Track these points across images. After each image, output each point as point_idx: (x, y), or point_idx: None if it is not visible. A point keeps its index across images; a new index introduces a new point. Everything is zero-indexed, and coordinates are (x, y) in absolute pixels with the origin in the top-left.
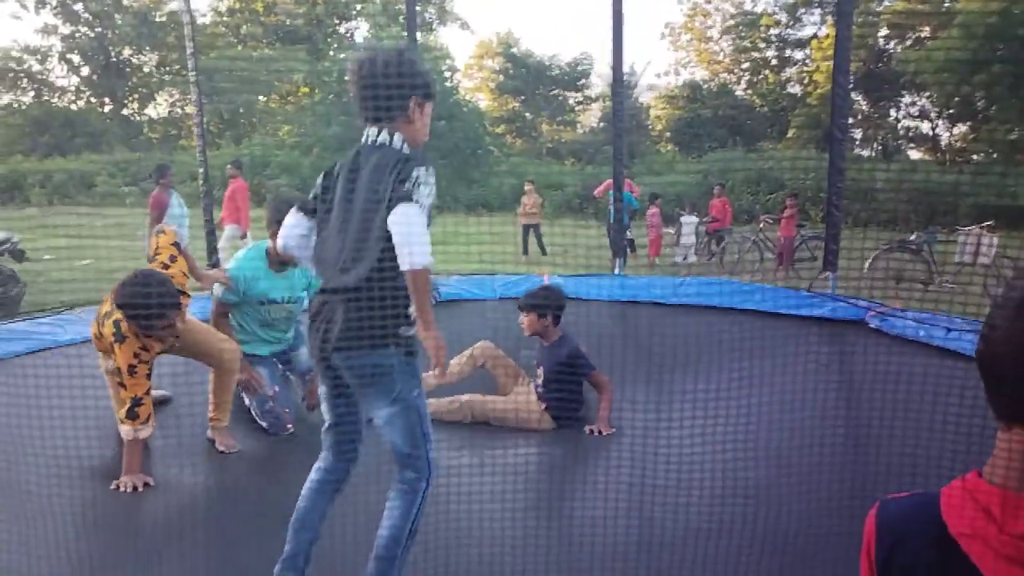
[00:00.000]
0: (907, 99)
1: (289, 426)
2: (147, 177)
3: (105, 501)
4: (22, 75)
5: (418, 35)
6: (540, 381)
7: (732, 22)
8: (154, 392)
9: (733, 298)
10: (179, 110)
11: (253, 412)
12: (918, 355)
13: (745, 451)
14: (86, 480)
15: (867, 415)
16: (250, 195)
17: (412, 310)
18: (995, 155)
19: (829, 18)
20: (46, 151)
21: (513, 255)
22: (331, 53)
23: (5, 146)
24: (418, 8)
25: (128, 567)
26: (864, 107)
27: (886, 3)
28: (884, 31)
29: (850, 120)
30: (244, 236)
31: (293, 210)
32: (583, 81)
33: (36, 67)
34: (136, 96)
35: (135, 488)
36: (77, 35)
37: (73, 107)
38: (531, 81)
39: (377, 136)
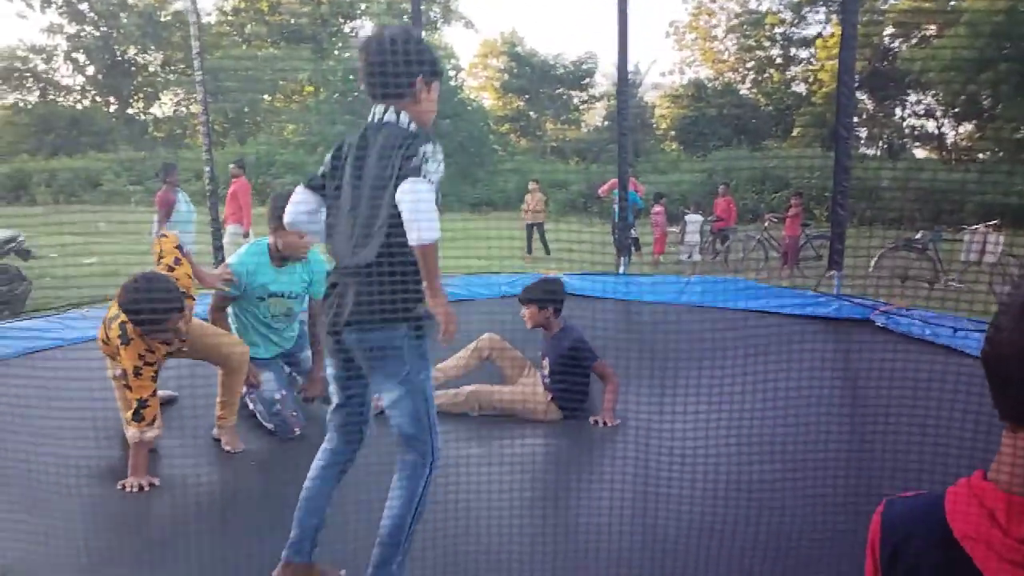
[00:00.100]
0: (912, 98)
1: (296, 430)
2: (154, 176)
3: (111, 500)
4: (28, 74)
5: (423, 34)
6: (546, 372)
7: (737, 21)
8: (160, 392)
9: (739, 298)
10: (184, 109)
11: (259, 416)
12: (925, 353)
13: (750, 448)
14: (93, 479)
15: (873, 413)
16: (253, 194)
17: (424, 286)
18: (1001, 153)
19: (834, 17)
20: (52, 150)
21: (517, 254)
22: (336, 52)
23: (11, 145)
24: (422, 7)
25: (134, 565)
26: (869, 106)
27: (891, 1)
28: (889, 29)
29: (855, 119)
30: (246, 235)
31: (300, 187)
32: (587, 80)
33: (41, 66)
34: (141, 95)
35: (141, 488)
36: (82, 34)
37: (78, 106)
38: (535, 80)
39: (384, 114)
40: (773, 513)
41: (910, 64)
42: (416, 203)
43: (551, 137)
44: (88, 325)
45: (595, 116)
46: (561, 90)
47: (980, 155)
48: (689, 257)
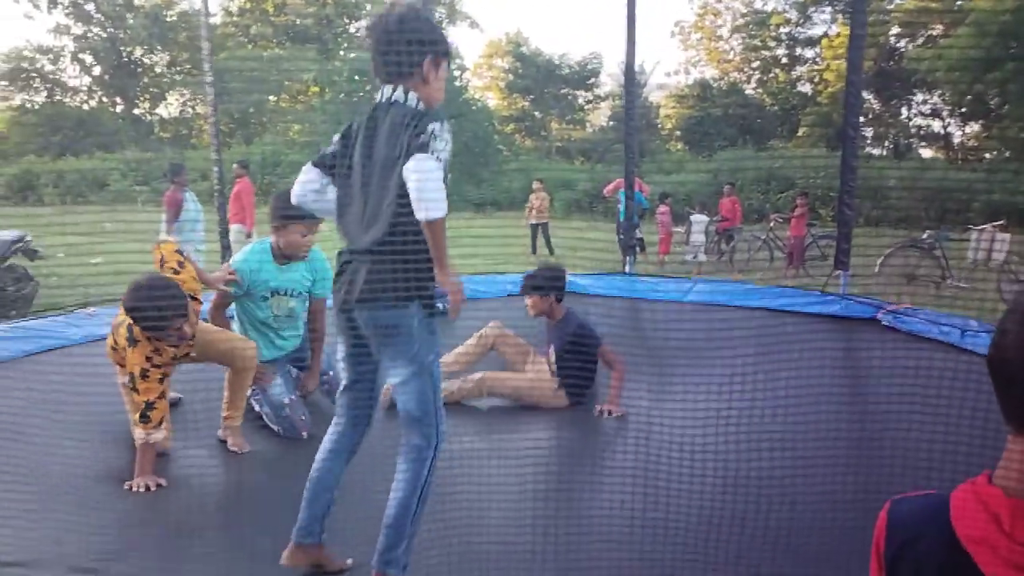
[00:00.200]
0: (919, 97)
1: (304, 433)
2: (161, 176)
3: (118, 499)
4: (34, 75)
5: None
6: (553, 359)
7: (742, 21)
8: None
9: (745, 298)
10: (190, 110)
11: (266, 419)
12: (932, 351)
13: (758, 443)
14: (100, 478)
15: (882, 410)
16: (259, 194)
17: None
18: (1008, 153)
19: (840, 16)
20: (59, 151)
21: (522, 254)
22: (341, 53)
23: (18, 146)
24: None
25: (141, 561)
26: (875, 105)
27: (897, 1)
28: (895, 29)
29: (861, 119)
30: (249, 235)
31: (308, 165)
32: (592, 80)
33: (48, 67)
34: (147, 96)
35: (148, 488)
36: (89, 35)
37: (85, 107)
38: (540, 80)
39: (392, 94)
40: (782, 508)
41: (916, 64)
42: (423, 180)
43: (556, 137)
44: (95, 325)
45: (600, 116)
46: (566, 90)
47: (987, 155)
48: (694, 257)
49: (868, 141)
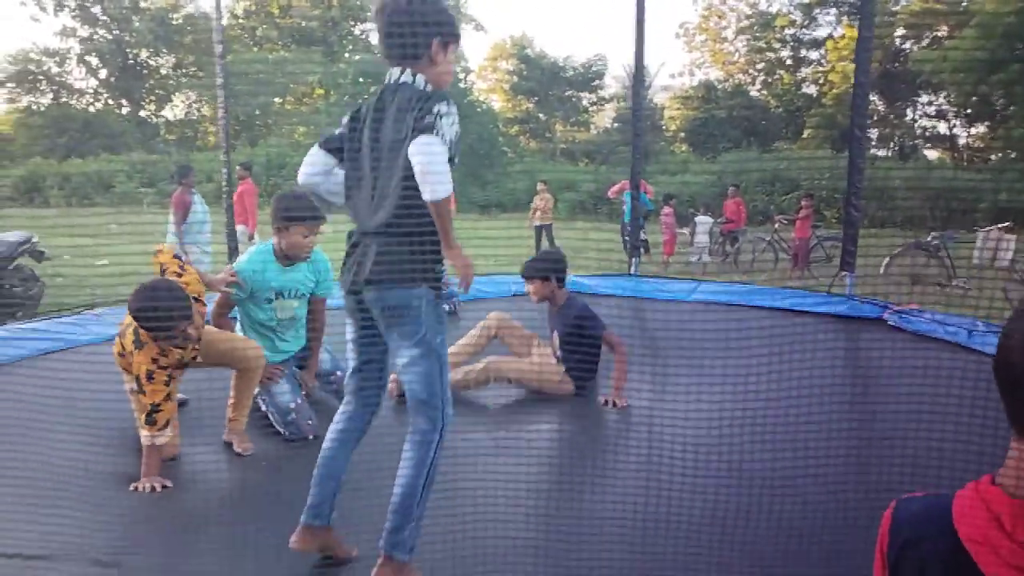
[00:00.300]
0: (924, 99)
1: (310, 436)
2: (169, 178)
3: (126, 498)
4: (41, 77)
5: None
6: (556, 344)
7: (747, 22)
8: None
9: (751, 298)
10: (196, 112)
11: (272, 420)
12: (938, 351)
13: (766, 441)
14: (106, 479)
15: (888, 409)
16: (263, 196)
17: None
18: (1013, 155)
19: (845, 18)
20: (65, 153)
21: (526, 256)
22: (346, 55)
23: (24, 147)
24: None
25: (146, 558)
26: (880, 107)
27: (903, 3)
28: (900, 31)
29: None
30: (252, 237)
31: (315, 148)
32: (597, 82)
33: (55, 69)
34: (153, 98)
35: (153, 489)
36: (95, 37)
37: (91, 109)
38: (545, 82)
39: (400, 76)
40: (791, 506)
41: (922, 65)
42: (427, 160)
43: (560, 139)
44: (102, 326)
45: (604, 118)
46: (570, 92)
47: (992, 157)
48: (699, 259)
49: (873, 142)
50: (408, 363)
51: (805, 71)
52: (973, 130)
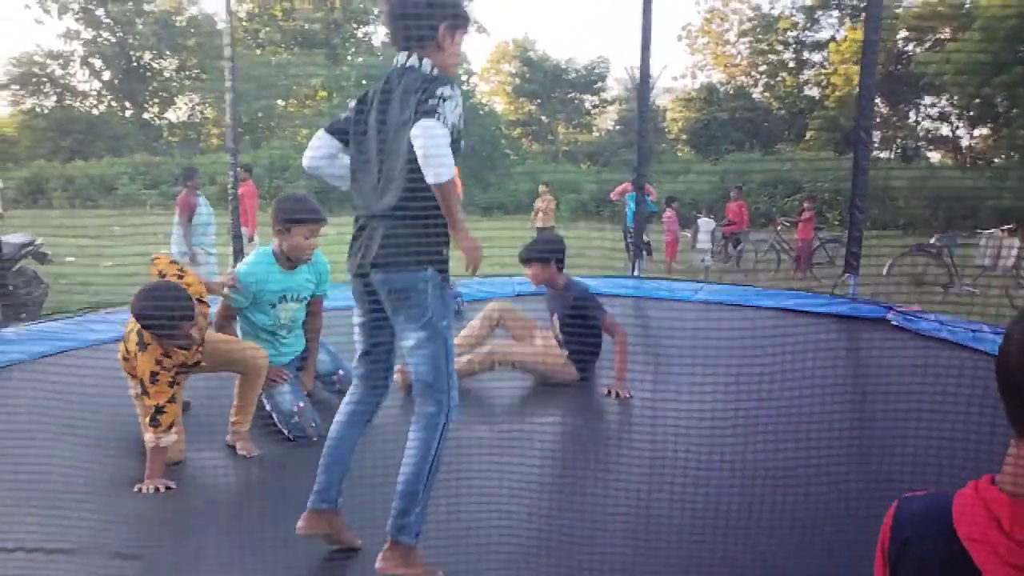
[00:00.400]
0: (927, 101)
1: (314, 437)
2: (174, 180)
3: (130, 500)
4: (45, 79)
5: None
6: (557, 328)
7: (749, 25)
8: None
9: (755, 299)
10: (199, 114)
11: (277, 420)
12: (941, 350)
13: (769, 438)
14: (110, 481)
15: (892, 408)
16: (266, 198)
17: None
18: (1016, 157)
19: (847, 20)
20: (68, 155)
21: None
22: (349, 57)
23: (28, 150)
24: None
25: (150, 555)
26: (883, 109)
27: (905, 4)
28: (903, 33)
29: None
30: (251, 239)
31: (321, 132)
32: (599, 84)
33: (58, 71)
34: (156, 100)
35: (157, 490)
36: (99, 40)
37: (94, 111)
38: (547, 84)
39: (407, 61)
40: (794, 498)
41: (924, 67)
42: (428, 143)
43: (563, 141)
44: (105, 328)
45: (607, 120)
46: (573, 94)
47: (995, 159)
48: (701, 261)
49: (876, 145)
50: (414, 346)
51: (808, 73)
52: (976, 132)
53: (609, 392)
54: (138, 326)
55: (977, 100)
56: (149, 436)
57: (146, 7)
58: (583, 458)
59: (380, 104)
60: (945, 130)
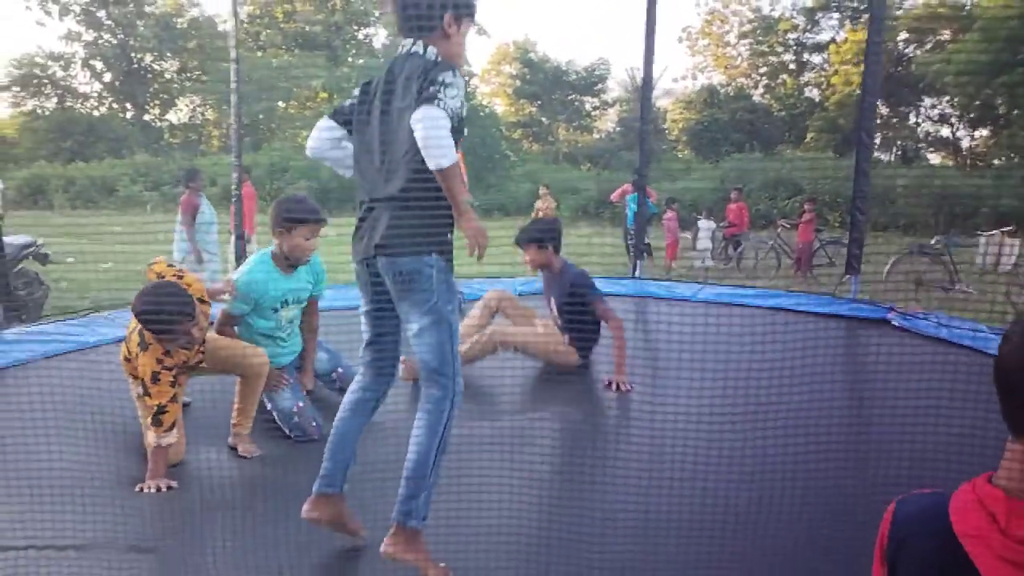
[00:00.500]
0: (927, 103)
1: (316, 436)
2: (177, 182)
3: (135, 499)
4: (46, 81)
5: None
6: (554, 311)
7: (749, 26)
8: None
9: (756, 299)
10: (200, 116)
11: (278, 420)
12: (941, 351)
13: (766, 436)
14: (111, 480)
15: (889, 405)
16: (267, 200)
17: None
18: (1016, 159)
19: (848, 22)
20: (69, 156)
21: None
22: (349, 59)
23: (29, 151)
24: None
25: (152, 552)
26: (883, 111)
27: (906, 6)
28: (903, 35)
29: None
30: (248, 241)
31: (325, 117)
32: (600, 86)
33: (59, 73)
34: (157, 102)
35: (159, 489)
36: (100, 41)
37: (95, 113)
38: (548, 86)
39: (411, 47)
40: (793, 495)
41: (925, 67)
42: (428, 130)
43: (563, 142)
44: (106, 329)
45: (607, 122)
46: (573, 96)
47: (995, 160)
48: (702, 263)
49: (876, 146)
50: (419, 332)
51: (808, 75)
52: (976, 134)
53: (609, 384)
54: (139, 326)
55: (977, 102)
56: (151, 436)
57: (147, 9)
58: (586, 454)
59: (384, 90)
60: (945, 132)
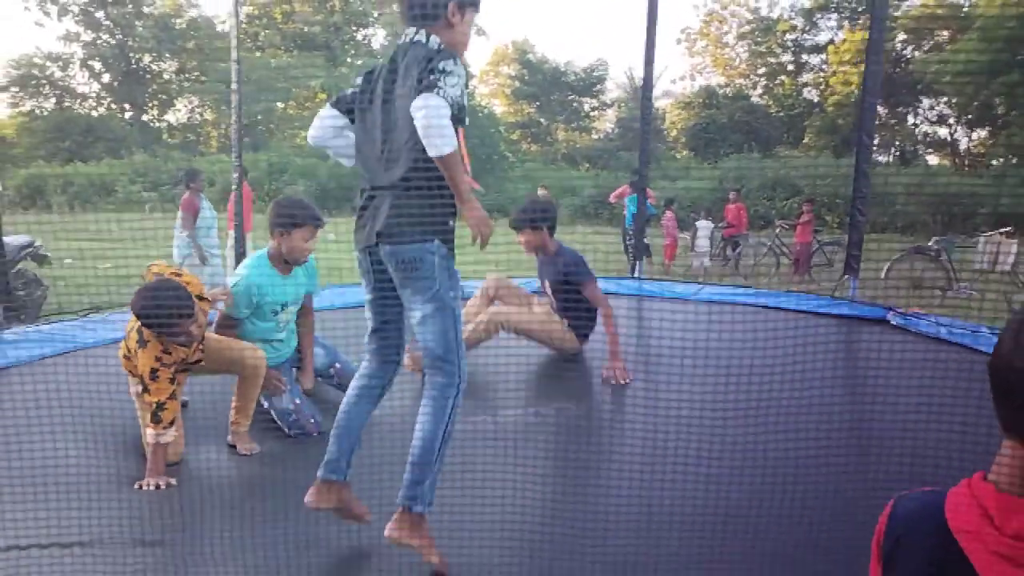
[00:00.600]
0: (925, 104)
1: (315, 432)
2: (177, 182)
3: (135, 496)
4: (44, 81)
5: None
6: (549, 294)
7: (748, 28)
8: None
9: (754, 299)
10: (198, 116)
11: (276, 419)
12: (940, 350)
13: (766, 434)
14: (111, 479)
15: (888, 404)
16: (264, 200)
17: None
18: (1015, 160)
19: (846, 23)
20: (67, 157)
21: (527, 260)
22: (348, 60)
23: (27, 152)
24: None
25: (154, 551)
26: (882, 112)
27: (904, 7)
28: (902, 36)
29: None
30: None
31: (327, 106)
32: (598, 87)
33: (58, 74)
34: (156, 103)
35: (157, 487)
36: (98, 42)
37: (94, 113)
38: (546, 87)
39: (414, 36)
40: (791, 493)
41: (923, 67)
42: (428, 118)
43: (562, 143)
44: (105, 329)
45: (606, 123)
46: (572, 97)
47: (993, 161)
48: (700, 264)
49: (875, 148)
50: (422, 319)
51: (806, 76)
52: (974, 135)
53: (608, 378)
54: (139, 324)
55: (975, 103)
56: (150, 432)
57: (146, 9)
58: (587, 449)
59: (386, 78)
60: (944, 133)
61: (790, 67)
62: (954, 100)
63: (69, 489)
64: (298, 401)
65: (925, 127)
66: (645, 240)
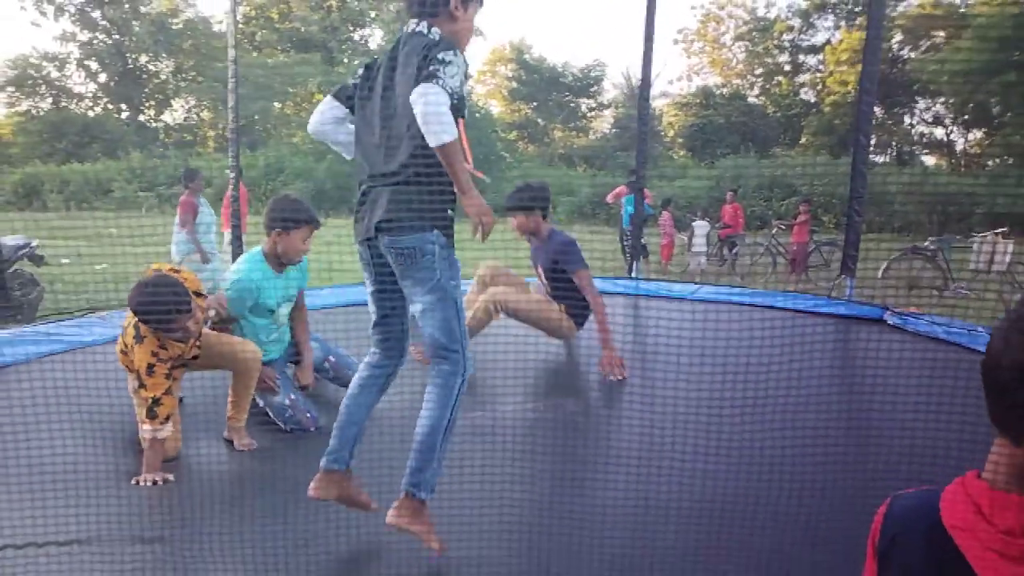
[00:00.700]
0: (921, 105)
1: (311, 428)
2: (174, 182)
3: (126, 495)
4: (40, 81)
5: None
6: (543, 279)
7: (745, 28)
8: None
9: (752, 299)
10: (195, 116)
11: (272, 415)
12: (937, 350)
13: (763, 432)
14: (108, 476)
15: (885, 403)
16: (261, 200)
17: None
18: (1011, 160)
19: (843, 24)
20: (63, 157)
21: (525, 260)
22: (345, 60)
23: (24, 152)
24: None
25: (153, 549)
26: (878, 113)
27: (900, 8)
28: (898, 36)
29: None
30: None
31: (328, 97)
32: (595, 88)
33: (54, 74)
34: (152, 103)
35: (154, 483)
36: (95, 42)
37: (90, 113)
38: (543, 87)
39: (416, 26)
40: (789, 491)
41: (921, 66)
42: (427, 107)
43: (559, 144)
44: (101, 329)
45: (603, 123)
46: (569, 97)
47: (989, 162)
48: (697, 264)
49: (871, 148)
50: (424, 310)
51: (803, 77)
52: (971, 136)
53: (606, 374)
54: (135, 319)
55: (972, 104)
56: (147, 428)
57: (143, 9)
58: (584, 444)
59: (386, 68)
60: (940, 133)
61: (787, 68)
62: (950, 101)
63: (66, 486)
64: (293, 396)
65: (922, 127)
66: (642, 240)
